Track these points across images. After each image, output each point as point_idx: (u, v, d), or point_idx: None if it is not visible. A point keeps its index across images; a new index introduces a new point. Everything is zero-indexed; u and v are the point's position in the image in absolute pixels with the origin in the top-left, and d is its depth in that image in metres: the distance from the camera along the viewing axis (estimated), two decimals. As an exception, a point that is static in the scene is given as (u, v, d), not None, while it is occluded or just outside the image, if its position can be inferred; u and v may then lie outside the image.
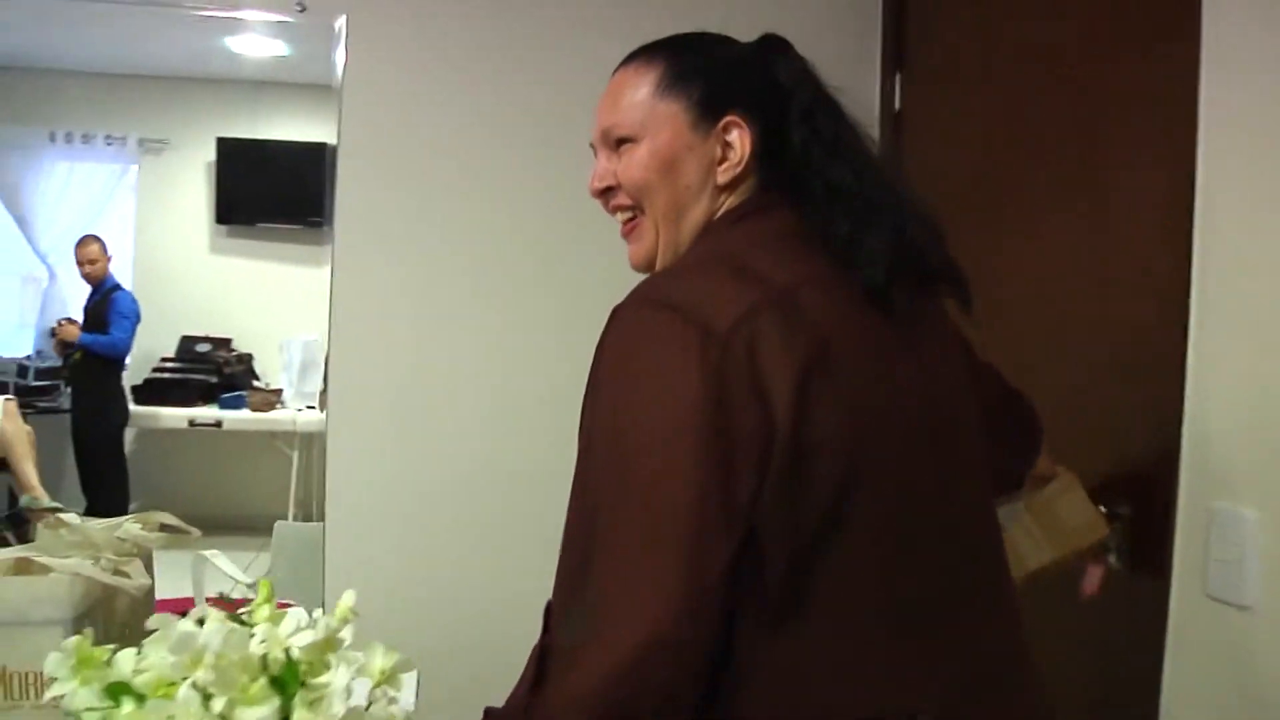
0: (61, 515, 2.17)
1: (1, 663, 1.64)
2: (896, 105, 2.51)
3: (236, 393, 3.95)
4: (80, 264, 4.02)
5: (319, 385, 3.56)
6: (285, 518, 3.21)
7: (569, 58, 2.31)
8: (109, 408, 3.86)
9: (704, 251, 1.17)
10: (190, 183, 4.25)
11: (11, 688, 1.66)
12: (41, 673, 1.57)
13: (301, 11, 2.20)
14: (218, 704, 0.82)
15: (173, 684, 0.84)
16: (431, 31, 2.32)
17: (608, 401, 1.03)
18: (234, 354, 4.13)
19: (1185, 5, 1.65)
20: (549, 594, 1.05)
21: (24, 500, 3.46)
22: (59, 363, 4.06)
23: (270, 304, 4.15)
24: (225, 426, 3.90)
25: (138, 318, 3.99)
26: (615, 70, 1.25)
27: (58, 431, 3.81)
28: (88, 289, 4.03)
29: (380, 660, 0.93)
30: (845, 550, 1.02)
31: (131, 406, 3.90)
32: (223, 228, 4.22)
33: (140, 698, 0.85)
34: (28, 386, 3.91)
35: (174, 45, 3.71)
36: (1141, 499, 1.74)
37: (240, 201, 4.17)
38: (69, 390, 3.94)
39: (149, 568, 2.05)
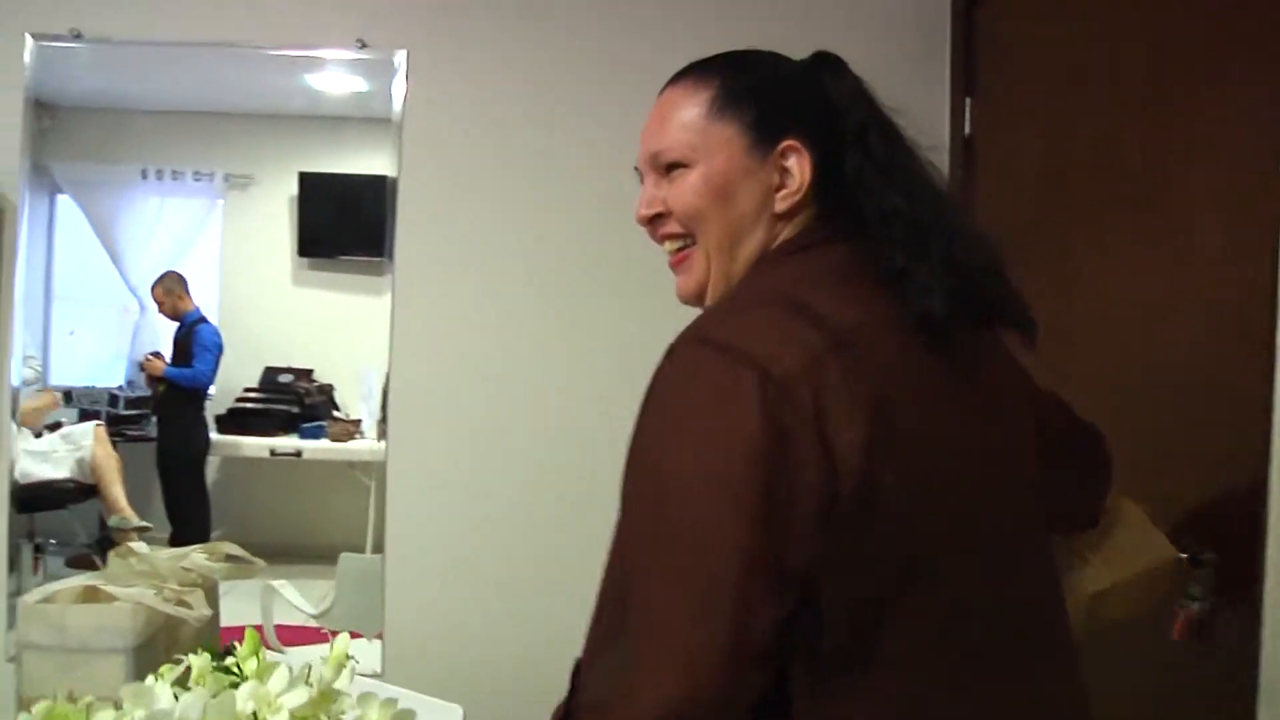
0: (132, 545, 2.20)
1: (67, 689, 1.66)
2: (967, 130, 2.45)
3: (317, 423, 3.99)
4: (157, 303, 4.14)
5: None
6: (362, 546, 3.22)
7: (627, 90, 2.29)
8: (191, 437, 3.94)
9: (761, 287, 1.09)
10: (273, 216, 4.34)
11: (73, 717, 1.67)
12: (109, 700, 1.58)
13: (362, 47, 2.22)
14: None
15: None
16: (490, 64, 2.33)
17: (653, 445, 0.97)
18: (315, 384, 4.19)
19: (1272, 30, 1.58)
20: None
21: (113, 520, 3.57)
22: (148, 393, 4.17)
23: (350, 335, 4.19)
24: (305, 456, 3.94)
25: (220, 350, 4.07)
26: (662, 90, 1.17)
27: (146, 459, 3.90)
28: (174, 325, 4.15)
29: (378, 713, 0.87)
30: (909, 608, 0.97)
31: (214, 435, 3.97)
32: (305, 260, 4.28)
33: None
34: (118, 415, 4.01)
35: (257, 84, 3.81)
36: (1228, 540, 1.65)
37: (321, 234, 4.24)
38: (156, 420, 4.05)
39: (213, 598, 2.07)
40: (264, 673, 0.83)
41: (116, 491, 3.73)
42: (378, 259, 4.37)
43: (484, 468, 2.27)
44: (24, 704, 1.74)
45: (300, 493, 3.95)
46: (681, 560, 0.91)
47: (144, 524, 3.40)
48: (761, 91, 1.12)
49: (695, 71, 1.16)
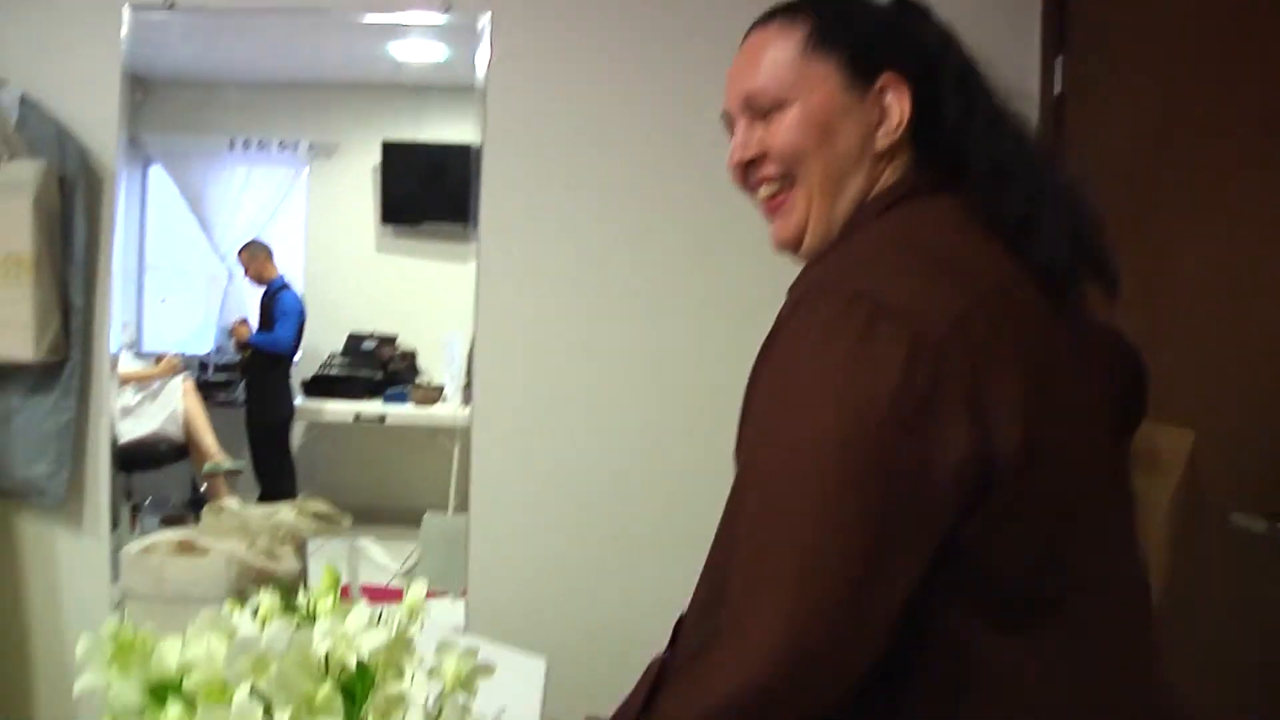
0: (224, 502, 2.26)
1: (164, 636, 1.71)
2: (1057, 88, 2.39)
3: (400, 388, 4.05)
4: (242, 267, 4.22)
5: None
6: (444, 510, 3.27)
7: (716, 51, 2.26)
8: (277, 402, 4.02)
9: (887, 235, 1.03)
10: (357, 185, 4.39)
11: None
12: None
13: (446, 11, 2.23)
14: (281, 716, 0.71)
15: (224, 686, 0.72)
16: (574, 26, 2.32)
17: (783, 403, 0.91)
18: (398, 351, 4.24)
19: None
20: (687, 594, 0.99)
21: (208, 466, 3.67)
22: (236, 358, 4.26)
23: (433, 302, 4.24)
24: (389, 421, 4.00)
25: (302, 316, 4.14)
26: (749, 33, 1.14)
27: (234, 423, 4.00)
28: (259, 290, 4.23)
29: (455, 664, 0.83)
30: (1067, 567, 0.95)
31: (300, 401, 4.05)
32: (388, 228, 4.33)
33: (188, 701, 0.73)
34: (208, 381, 4.10)
35: (342, 54, 3.87)
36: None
37: (405, 202, 4.28)
38: (244, 384, 4.14)
39: (301, 555, 2.12)
40: (340, 614, 0.79)
41: (208, 439, 3.84)
42: (461, 226, 4.42)
43: (567, 430, 2.28)
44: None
45: (383, 457, 4.01)
46: (807, 520, 0.86)
47: (237, 466, 3.48)
48: (855, 29, 1.09)
49: (783, 13, 1.13)
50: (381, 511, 2.72)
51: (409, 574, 2.46)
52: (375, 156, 4.39)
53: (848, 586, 0.84)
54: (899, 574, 0.87)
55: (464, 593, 2.17)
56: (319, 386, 4.11)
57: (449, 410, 3.93)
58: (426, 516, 2.61)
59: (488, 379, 2.30)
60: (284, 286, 4.17)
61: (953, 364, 0.85)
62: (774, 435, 0.91)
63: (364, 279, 4.43)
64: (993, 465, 0.86)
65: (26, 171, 2.09)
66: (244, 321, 4.21)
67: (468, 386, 2.38)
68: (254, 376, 4.12)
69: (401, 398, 4.02)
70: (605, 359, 2.33)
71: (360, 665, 0.75)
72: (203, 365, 4.20)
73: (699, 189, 2.19)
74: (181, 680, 0.73)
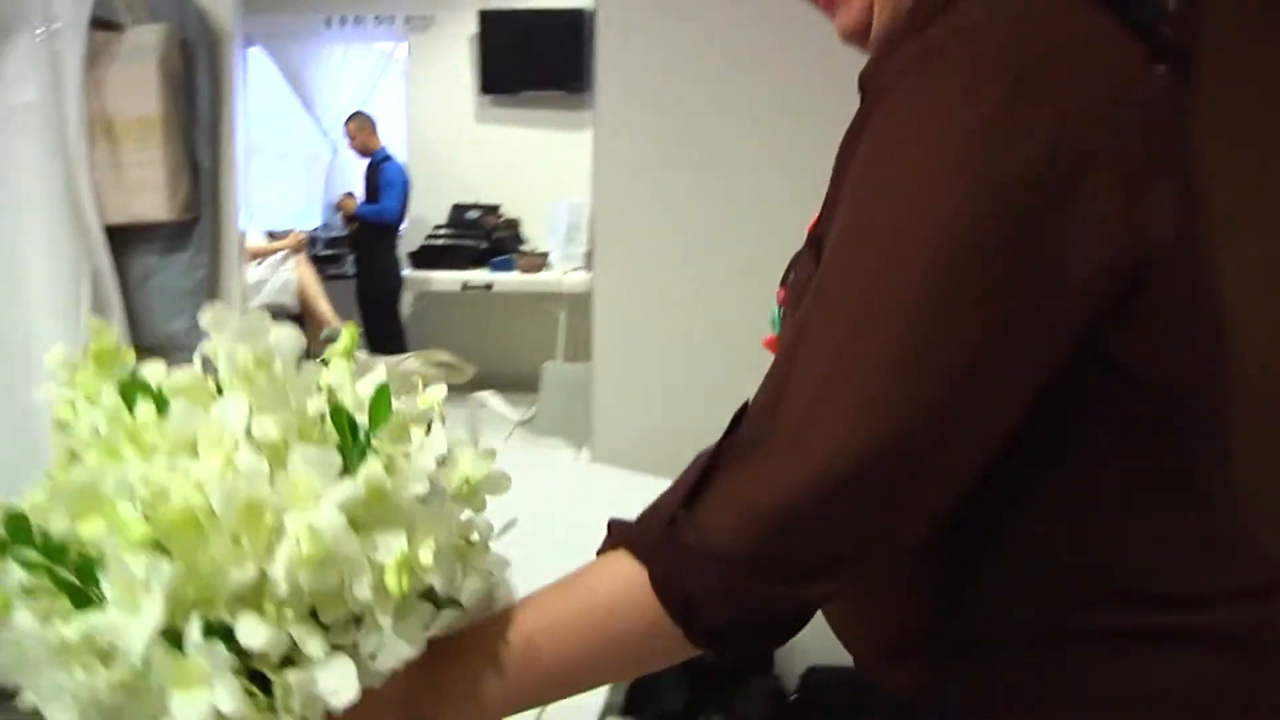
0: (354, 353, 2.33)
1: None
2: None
3: (505, 256, 4.10)
4: (349, 138, 4.27)
5: (584, 247, 3.67)
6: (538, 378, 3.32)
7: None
8: (385, 273, 4.10)
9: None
10: (455, 56, 4.39)
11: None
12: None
13: None
14: (267, 426, 0.61)
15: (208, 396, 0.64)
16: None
17: (897, 168, 0.74)
18: (501, 220, 4.29)
19: None
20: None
21: (325, 333, 3.78)
22: (343, 233, 4.35)
23: (535, 170, 4.26)
24: (495, 289, 4.06)
25: (405, 185, 4.19)
26: None
27: (344, 295, 4.10)
28: (362, 163, 4.29)
29: (468, 465, 0.68)
30: (1221, 389, 0.84)
31: (407, 272, 4.13)
32: (487, 98, 4.34)
33: (161, 403, 0.63)
34: (317, 256, 4.20)
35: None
36: None
37: (503, 72, 4.27)
38: (353, 258, 4.23)
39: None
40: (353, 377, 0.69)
41: (323, 306, 3.94)
42: (561, 93, 4.43)
43: (689, 288, 2.29)
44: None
45: (490, 324, 4.08)
46: (909, 304, 0.72)
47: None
48: None
49: None
50: (491, 377, 2.77)
51: (528, 422, 2.53)
52: (472, 27, 4.39)
53: (951, 381, 0.72)
54: (1014, 378, 0.75)
55: (584, 446, 2.22)
56: (425, 257, 4.19)
57: (554, 276, 3.99)
58: (547, 365, 2.67)
59: (608, 241, 2.30)
60: (387, 158, 4.21)
61: (1102, 146, 0.73)
62: (879, 210, 0.76)
63: (465, 150, 4.45)
64: (1144, 259, 0.75)
65: (151, 36, 2.12)
66: (350, 195, 4.28)
67: (589, 253, 2.40)
68: (362, 249, 4.20)
69: (507, 265, 4.07)
70: (718, 214, 2.32)
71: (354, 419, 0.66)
72: (312, 240, 4.29)
73: (831, 48, 2.15)
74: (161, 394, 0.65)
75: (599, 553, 0.72)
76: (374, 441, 0.63)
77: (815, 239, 0.83)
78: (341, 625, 0.62)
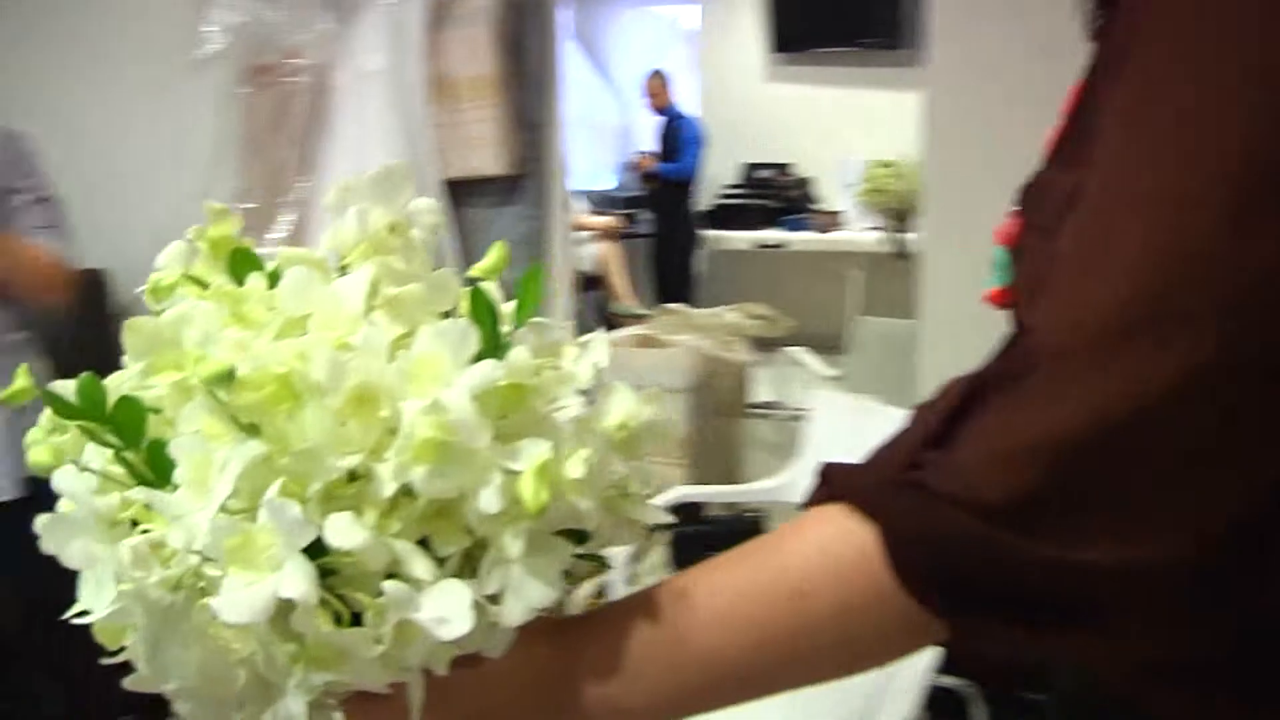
0: (670, 305, 2.35)
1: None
2: None
3: (798, 215, 4.07)
4: (649, 96, 4.32)
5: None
6: (839, 335, 3.27)
7: None
8: (682, 231, 4.15)
9: None
10: (747, 15, 4.37)
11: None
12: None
13: None
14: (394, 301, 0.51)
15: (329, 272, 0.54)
16: None
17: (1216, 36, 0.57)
18: (793, 178, 4.26)
19: None
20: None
21: (616, 307, 3.87)
22: (638, 192, 4.43)
23: (827, 128, 4.20)
24: (788, 248, 4.04)
25: (700, 143, 4.22)
26: None
27: (638, 254, 4.19)
28: (655, 124, 4.34)
29: (628, 406, 0.52)
30: None
31: (699, 231, 4.17)
32: (780, 56, 4.30)
33: (273, 277, 0.53)
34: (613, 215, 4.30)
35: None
36: None
37: (796, 30, 4.22)
38: (648, 216, 4.30)
39: (750, 350, 2.20)
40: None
41: (620, 281, 4.02)
42: (853, 49, 4.34)
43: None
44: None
45: (782, 282, 4.05)
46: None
47: (644, 311, 3.65)
48: None
49: None
50: (784, 337, 2.76)
51: (842, 378, 2.50)
52: (765, -15, 4.37)
53: None
54: None
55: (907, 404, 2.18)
56: (717, 216, 4.21)
57: (849, 235, 3.92)
58: (861, 320, 2.63)
59: (938, 200, 2.25)
60: (680, 116, 4.25)
61: None
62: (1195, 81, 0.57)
63: (756, 108, 4.43)
64: None
65: (483, -1, 2.23)
66: (647, 154, 4.34)
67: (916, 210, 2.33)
68: (660, 207, 4.26)
69: (800, 224, 4.04)
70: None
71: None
72: (609, 201, 4.40)
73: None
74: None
75: (804, 505, 0.56)
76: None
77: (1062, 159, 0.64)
78: (455, 565, 0.49)
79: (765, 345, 2.62)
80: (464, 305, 0.53)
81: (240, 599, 0.45)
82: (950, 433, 0.52)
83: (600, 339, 0.52)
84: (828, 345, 2.79)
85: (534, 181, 2.18)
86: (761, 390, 2.51)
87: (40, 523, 0.51)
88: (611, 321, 3.65)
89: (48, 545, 0.51)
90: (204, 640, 0.47)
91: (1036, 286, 0.56)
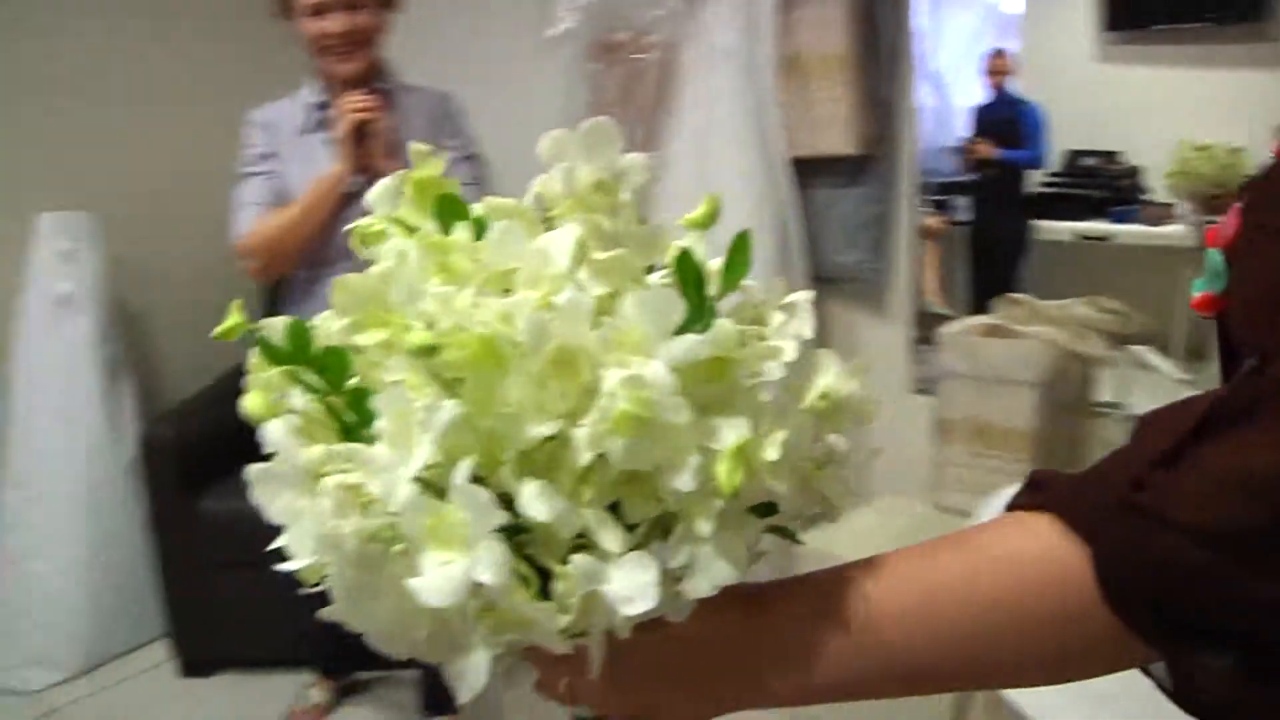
0: (1014, 295, 2.29)
1: (977, 413, 1.79)
2: None
3: (1127, 207, 3.85)
4: (989, 75, 4.16)
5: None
6: (1169, 338, 3.08)
7: None
8: (1006, 222, 4.00)
9: None
10: (1078, -9, 4.15)
11: (990, 438, 1.81)
12: (1014, 428, 1.66)
13: None
14: (601, 262, 0.51)
15: (537, 227, 0.55)
16: None
17: None
18: (1122, 167, 4.02)
19: None
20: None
21: (920, 304, 3.78)
22: (956, 179, 4.28)
23: (1162, 113, 3.94)
24: (1114, 241, 3.83)
25: (1046, 129, 4.05)
26: None
27: (951, 243, 4.07)
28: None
29: (832, 377, 0.55)
30: None
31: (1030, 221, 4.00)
32: (1112, 35, 4.07)
33: (478, 224, 0.54)
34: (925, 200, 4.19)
35: None
36: None
37: (1133, 5, 3.98)
38: (969, 203, 4.15)
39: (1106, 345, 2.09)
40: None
41: (931, 277, 3.94)
42: (1200, 25, 4.04)
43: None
44: (942, 426, 1.90)
45: (1105, 277, 3.85)
46: None
47: (947, 312, 3.55)
48: None
49: None
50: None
51: (1191, 385, 2.35)
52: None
53: None
54: None
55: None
56: (1037, 205, 4.04)
57: (1180, 229, 3.67)
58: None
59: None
60: (1022, 101, 4.08)
61: None
62: None
63: (1083, 92, 4.22)
64: None
65: (842, -26, 2.21)
66: (979, 140, 4.19)
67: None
68: (989, 194, 4.10)
69: (1129, 216, 3.82)
70: None
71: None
72: (924, 187, 4.29)
73: None
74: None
75: (1009, 507, 0.56)
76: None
77: None
78: (644, 534, 0.50)
79: (1111, 343, 2.51)
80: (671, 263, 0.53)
81: (436, 581, 0.45)
82: (1181, 454, 0.49)
83: (805, 302, 0.55)
84: (1158, 347, 2.64)
85: (883, 165, 2.15)
86: (1103, 390, 2.42)
87: (251, 472, 0.53)
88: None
89: (258, 497, 0.52)
90: (395, 590, 0.47)
91: (1276, 299, 0.55)
